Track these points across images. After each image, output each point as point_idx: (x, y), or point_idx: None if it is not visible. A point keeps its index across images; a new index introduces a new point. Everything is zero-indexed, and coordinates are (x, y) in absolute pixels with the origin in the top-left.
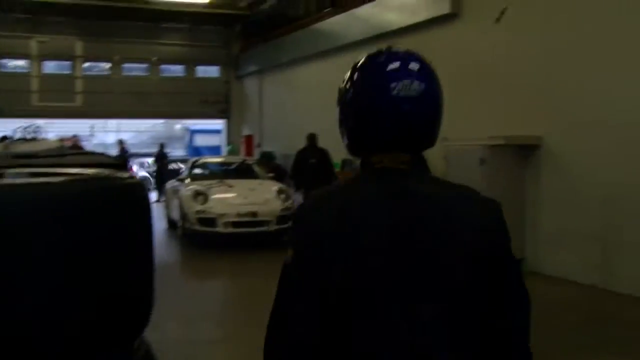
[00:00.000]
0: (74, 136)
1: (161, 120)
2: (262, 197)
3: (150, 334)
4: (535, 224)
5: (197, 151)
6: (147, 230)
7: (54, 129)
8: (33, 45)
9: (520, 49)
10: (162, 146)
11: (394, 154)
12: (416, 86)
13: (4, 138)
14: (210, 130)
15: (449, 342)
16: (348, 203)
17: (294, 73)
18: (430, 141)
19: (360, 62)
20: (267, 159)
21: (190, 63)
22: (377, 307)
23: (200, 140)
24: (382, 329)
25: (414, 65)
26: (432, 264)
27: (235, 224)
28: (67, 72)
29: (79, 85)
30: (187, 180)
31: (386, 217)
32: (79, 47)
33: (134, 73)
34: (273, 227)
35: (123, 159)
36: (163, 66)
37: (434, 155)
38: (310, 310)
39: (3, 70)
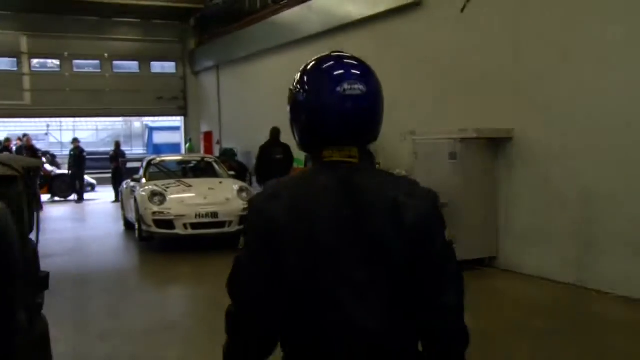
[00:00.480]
0: (25, 135)
1: (120, 118)
2: (223, 196)
3: (100, 349)
4: (508, 220)
5: (156, 149)
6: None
7: (5, 129)
8: None
9: (489, 39)
10: (117, 145)
11: (343, 147)
12: (359, 86)
13: None
14: (170, 127)
15: (384, 305)
16: (300, 194)
17: (252, 67)
18: (374, 135)
19: (310, 65)
20: (227, 157)
21: (145, 59)
22: (326, 278)
23: (160, 138)
24: (330, 297)
25: (356, 68)
26: (374, 244)
27: (194, 226)
28: (13, 69)
29: (27, 82)
30: (143, 180)
31: (335, 205)
32: (24, 42)
33: (85, 70)
34: (234, 228)
35: (37, 164)
36: (116, 62)
37: (402, 151)
38: (262, 293)
39: None
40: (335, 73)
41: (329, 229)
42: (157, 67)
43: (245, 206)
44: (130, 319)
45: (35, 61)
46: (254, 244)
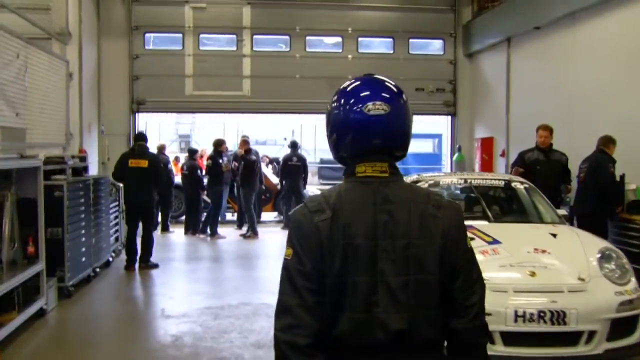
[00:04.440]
0: (244, 138)
1: None
2: (571, 271)
3: None
4: None
5: (405, 159)
6: None
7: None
8: (187, 13)
9: None
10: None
11: (375, 163)
12: (383, 106)
13: None
14: (420, 135)
15: (412, 306)
16: (340, 208)
17: (566, 35)
18: (402, 150)
19: (343, 87)
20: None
21: (402, 36)
22: (363, 284)
23: (412, 146)
24: (367, 300)
25: (382, 90)
26: (407, 252)
27: (511, 338)
28: (232, 49)
29: (247, 66)
30: None
31: (371, 218)
32: (247, 14)
33: (321, 50)
34: (599, 347)
35: None
36: (363, 40)
37: None
38: (307, 296)
39: (148, 48)
40: (362, 94)
41: (367, 238)
42: (418, 46)
43: (625, 296)
44: None
45: (257, 37)
46: (301, 252)
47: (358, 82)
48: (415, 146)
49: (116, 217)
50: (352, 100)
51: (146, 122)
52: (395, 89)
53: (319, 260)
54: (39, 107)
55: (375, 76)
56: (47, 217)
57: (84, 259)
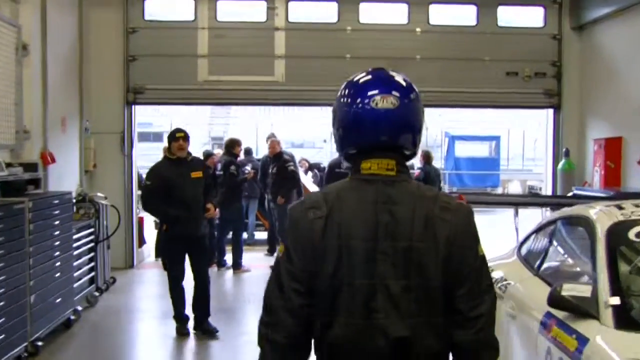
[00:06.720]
0: (271, 136)
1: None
2: None
3: None
4: None
5: (457, 164)
6: None
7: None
8: None
9: None
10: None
11: (382, 160)
12: (391, 100)
13: None
14: (476, 137)
15: (414, 312)
16: (338, 207)
17: None
18: (410, 148)
19: (350, 80)
20: None
21: (488, 3)
22: (360, 287)
23: (463, 150)
24: (365, 305)
25: (391, 84)
26: (408, 256)
27: None
28: (260, 20)
29: (280, 44)
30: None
31: (371, 218)
32: None
33: (380, 21)
34: None
35: None
36: (435, 7)
37: None
38: (293, 298)
39: (148, 19)
40: (370, 87)
41: (365, 239)
42: (510, 17)
43: None
44: None
45: (294, 6)
46: (293, 250)
47: (367, 75)
48: (469, 150)
49: (91, 251)
50: (360, 94)
51: (171, 121)
52: (405, 84)
53: (310, 260)
54: None
55: (386, 70)
56: None
57: (2, 335)
